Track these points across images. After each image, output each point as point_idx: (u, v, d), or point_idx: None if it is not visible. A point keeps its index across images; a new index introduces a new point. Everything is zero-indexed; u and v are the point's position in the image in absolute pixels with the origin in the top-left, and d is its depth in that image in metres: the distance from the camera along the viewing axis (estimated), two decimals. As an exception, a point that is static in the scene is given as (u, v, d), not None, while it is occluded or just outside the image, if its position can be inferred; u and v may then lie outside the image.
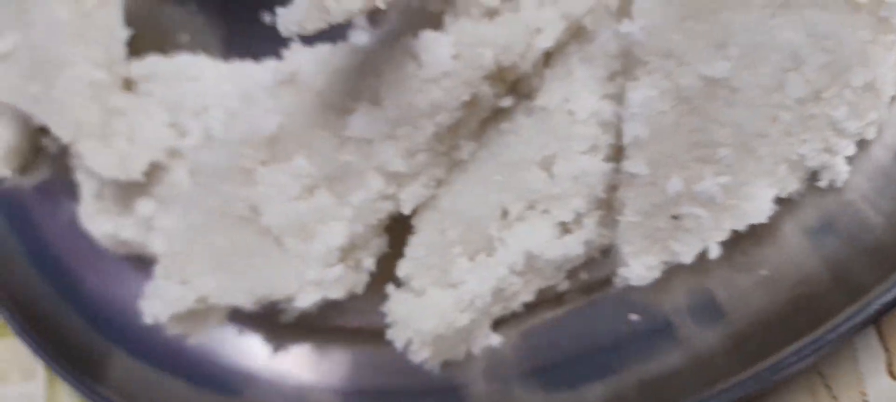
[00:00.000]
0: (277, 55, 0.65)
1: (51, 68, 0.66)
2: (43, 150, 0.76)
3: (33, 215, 0.76)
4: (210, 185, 0.57)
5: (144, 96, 0.67)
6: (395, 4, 0.49)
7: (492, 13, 0.52)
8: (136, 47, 0.70)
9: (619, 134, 0.52)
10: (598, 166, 0.51)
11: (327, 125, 0.54)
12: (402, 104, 0.51)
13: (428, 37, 0.50)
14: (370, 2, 0.47)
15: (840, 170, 0.48)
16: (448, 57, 0.50)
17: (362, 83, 0.53)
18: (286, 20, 0.47)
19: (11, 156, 0.74)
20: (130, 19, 0.70)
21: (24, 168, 0.76)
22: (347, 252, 0.55)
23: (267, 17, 0.70)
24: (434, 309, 0.52)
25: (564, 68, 0.53)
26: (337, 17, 0.46)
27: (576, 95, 0.52)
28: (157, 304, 0.57)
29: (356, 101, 0.53)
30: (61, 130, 0.65)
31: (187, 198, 0.59)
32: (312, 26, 0.47)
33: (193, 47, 0.72)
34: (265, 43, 0.69)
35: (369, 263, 0.56)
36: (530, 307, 0.57)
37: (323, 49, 0.55)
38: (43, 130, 0.72)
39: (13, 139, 0.73)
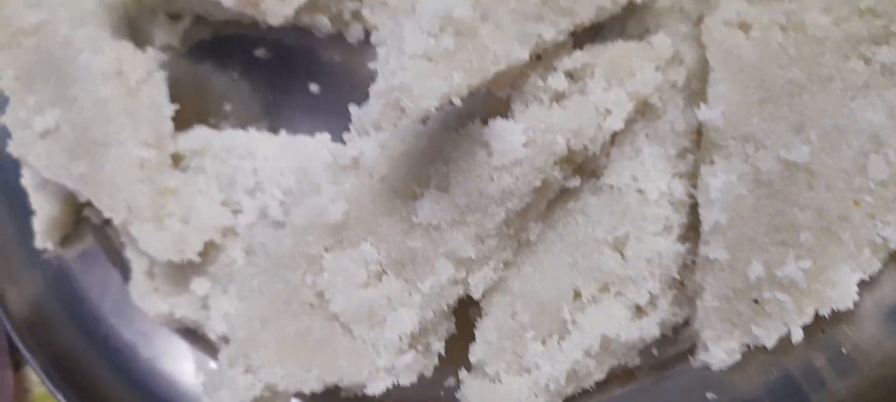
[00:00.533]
0: (326, 127, 0.65)
1: (97, 147, 0.65)
2: (85, 220, 0.75)
3: (80, 283, 0.75)
4: (274, 271, 0.56)
5: (195, 172, 0.66)
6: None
7: (559, 97, 0.51)
8: (179, 116, 0.69)
9: (691, 213, 0.52)
10: (672, 248, 0.51)
11: (394, 211, 0.53)
12: (471, 191, 0.51)
13: (499, 125, 0.50)
14: (445, 99, 0.46)
15: (921, 248, 0.47)
16: (520, 145, 0.49)
17: (428, 169, 0.52)
18: (360, 120, 0.47)
19: (54, 229, 0.74)
20: (174, 90, 0.70)
21: (66, 240, 0.75)
22: (417, 338, 0.54)
23: (313, 87, 0.70)
24: (509, 397, 0.52)
25: (632, 147, 0.53)
26: (413, 116, 0.45)
27: (645, 175, 0.52)
28: (225, 394, 0.56)
29: (423, 186, 0.53)
30: (112, 212, 0.64)
31: (250, 284, 0.58)
32: (388, 125, 0.46)
33: (237, 116, 0.71)
34: (311, 112, 0.69)
35: (438, 346, 0.55)
36: (600, 384, 0.56)
37: (383, 134, 0.55)
38: (85, 202, 0.71)
39: (55, 212, 0.73)
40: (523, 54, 0.48)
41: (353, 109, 0.48)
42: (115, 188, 0.64)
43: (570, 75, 0.52)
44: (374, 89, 0.48)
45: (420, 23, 0.46)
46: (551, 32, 0.49)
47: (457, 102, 0.46)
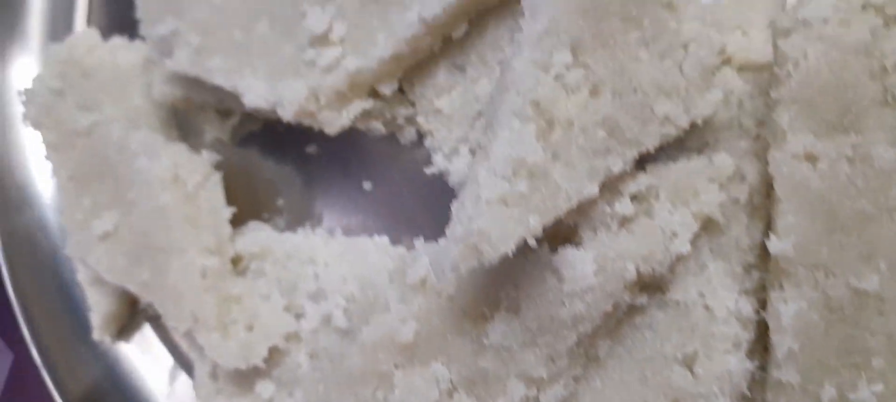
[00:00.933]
0: (381, 226, 0.66)
1: (159, 254, 0.66)
2: (141, 311, 0.77)
3: (136, 372, 0.77)
4: (344, 385, 0.57)
5: (255, 276, 0.67)
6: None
7: (626, 221, 0.52)
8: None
9: (758, 328, 0.53)
10: (741, 365, 0.52)
11: (464, 332, 0.54)
12: (542, 316, 0.52)
13: (569, 254, 0.51)
14: (521, 241, 0.47)
15: None
16: (590, 273, 0.50)
17: (498, 292, 0.53)
18: (439, 264, 0.48)
19: (111, 323, 0.75)
20: (225, 184, 0.71)
21: (122, 332, 0.77)
22: (490, 453, 0.55)
23: (366, 185, 0.71)
24: None
25: (697, 263, 0.54)
26: (491, 260, 0.47)
27: (712, 292, 0.53)
28: None
29: (493, 309, 0.54)
30: (177, 321, 0.65)
31: (317, 390, 0.59)
32: (466, 268, 0.47)
33: (291, 211, 0.73)
34: (364, 210, 0.71)
35: (511, 459, 0.57)
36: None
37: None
38: (143, 298, 0.72)
39: (112, 308, 0.74)
40: (593, 189, 0.50)
41: (428, 252, 0.49)
42: (180, 298, 0.65)
43: (634, 198, 0.53)
44: (450, 233, 0.49)
45: (494, 168, 0.48)
46: (619, 165, 0.50)
47: (531, 242, 0.47)
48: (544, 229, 0.51)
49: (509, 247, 0.46)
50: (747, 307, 0.52)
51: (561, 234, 0.53)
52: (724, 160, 0.53)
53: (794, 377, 0.49)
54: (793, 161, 0.48)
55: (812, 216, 0.48)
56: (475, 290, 0.54)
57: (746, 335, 0.53)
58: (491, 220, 0.47)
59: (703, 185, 0.53)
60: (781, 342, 0.49)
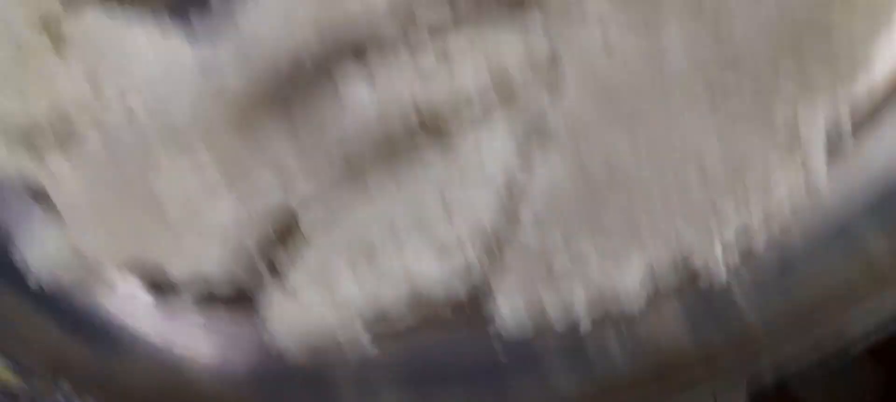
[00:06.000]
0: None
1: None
2: None
3: None
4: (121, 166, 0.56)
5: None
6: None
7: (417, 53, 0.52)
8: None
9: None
10: (496, 222, 0.54)
11: (238, 129, 0.54)
12: (316, 131, 0.52)
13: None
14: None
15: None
16: (370, 103, 0.50)
17: (279, 100, 0.53)
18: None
19: None
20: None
21: None
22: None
23: None
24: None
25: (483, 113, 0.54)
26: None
27: (490, 147, 0.54)
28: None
29: (270, 116, 0.53)
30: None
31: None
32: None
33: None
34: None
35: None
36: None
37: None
38: None
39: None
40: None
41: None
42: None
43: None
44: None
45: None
46: None
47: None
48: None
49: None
50: (519, 171, 0.54)
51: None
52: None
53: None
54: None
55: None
56: (256, 94, 0.53)
57: (508, 196, 0.54)
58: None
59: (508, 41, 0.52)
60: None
